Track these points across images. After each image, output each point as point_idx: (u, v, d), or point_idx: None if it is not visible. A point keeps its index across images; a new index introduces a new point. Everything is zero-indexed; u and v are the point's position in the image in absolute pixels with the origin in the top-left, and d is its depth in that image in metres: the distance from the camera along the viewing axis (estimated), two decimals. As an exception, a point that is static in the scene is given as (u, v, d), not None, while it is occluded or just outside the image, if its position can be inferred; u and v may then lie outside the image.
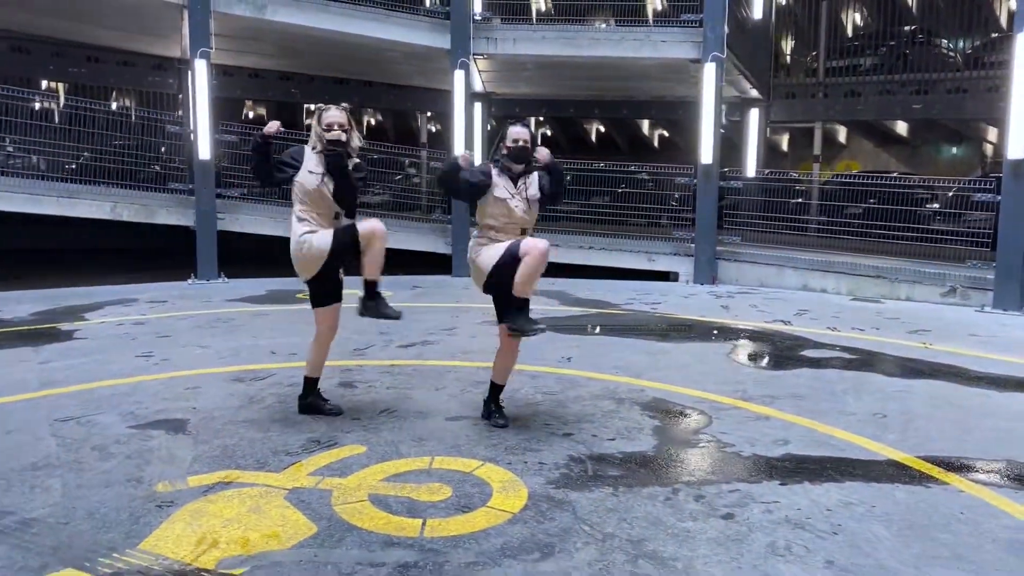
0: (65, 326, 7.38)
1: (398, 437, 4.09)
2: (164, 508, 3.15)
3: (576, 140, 25.27)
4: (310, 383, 4.56)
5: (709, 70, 10.42)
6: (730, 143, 19.50)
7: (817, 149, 16.60)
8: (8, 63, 13.63)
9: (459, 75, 11.13)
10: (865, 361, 6.15)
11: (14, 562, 2.69)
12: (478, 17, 11.43)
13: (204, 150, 10.55)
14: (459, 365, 5.81)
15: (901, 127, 19.36)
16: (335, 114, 4.24)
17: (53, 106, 13.42)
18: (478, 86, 15.19)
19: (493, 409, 4.39)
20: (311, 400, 4.53)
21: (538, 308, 8.61)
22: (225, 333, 7.09)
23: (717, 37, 10.28)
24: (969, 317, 8.38)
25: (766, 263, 10.61)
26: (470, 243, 4.33)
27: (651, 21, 14.25)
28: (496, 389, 4.43)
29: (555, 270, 11.57)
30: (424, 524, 3.03)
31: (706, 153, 10.58)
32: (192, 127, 10.58)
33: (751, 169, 15.20)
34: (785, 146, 23.76)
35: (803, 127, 18.74)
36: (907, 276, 9.45)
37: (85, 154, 11.74)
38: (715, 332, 7.42)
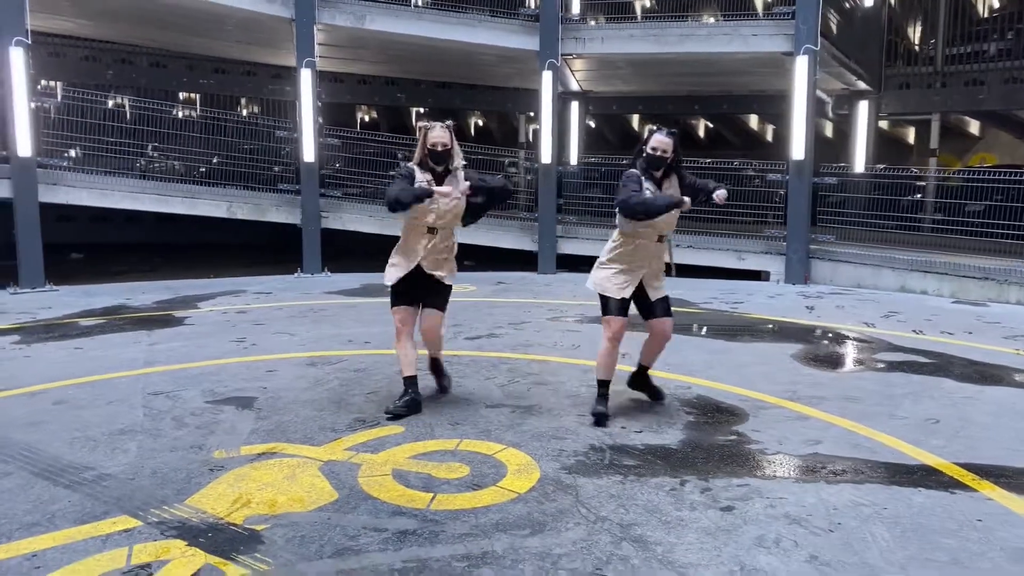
0: (179, 313, 8.23)
1: (436, 420, 4.38)
2: (215, 471, 3.58)
3: (684, 136, 24.89)
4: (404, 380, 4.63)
5: (801, 63, 10.08)
6: (840, 137, 18.63)
7: (934, 142, 15.53)
8: (148, 76, 15.13)
9: (547, 76, 11.34)
10: (940, 366, 5.86)
11: (84, 508, 3.18)
12: (575, 17, 11.61)
13: (309, 153, 11.34)
14: (515, 357, 6.04)
15: (1041, 116, 17.72)
16: (439, 133, 4.48)
17: (179, 114, 14.79)
18: (573, 85, 15.38)
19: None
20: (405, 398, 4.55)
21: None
22: (313, 322, 7.67)
23: (810, 29, 9.92)
24: (1084, 323, 7.71)
25: (862, 263, 10.14)
26: (609, 246, 4.50)
27: (761, 15, 13.85)
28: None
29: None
30: (433, 498, 3.29)
31: (797, 148, 10.24)
32: (298, 132, 11.38)
33: (860, 164, 14.49)
34: (911, 139, 22.32)
35: (949, 119, 17.56)
36: (1017, 277, 8.77)
37: (214, 160, 12.95)
38: (788, 333, 7.24)
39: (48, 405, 4.68)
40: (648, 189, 4.30)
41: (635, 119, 23.85)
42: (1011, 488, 3.45)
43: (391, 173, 4.57)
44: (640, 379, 4.87)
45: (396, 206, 4.33)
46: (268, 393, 4.96)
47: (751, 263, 11.02)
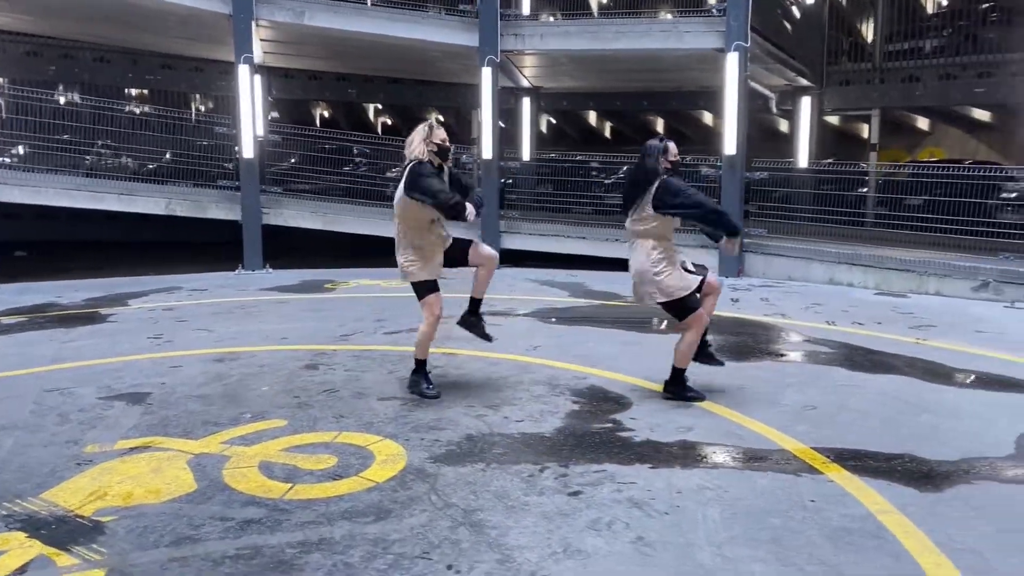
0: (105, 311, 8.18)
1: (322, 414, 4.44)
2: (82, 466, 3.61)
3: (645, 131, 25.06)
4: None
5: (732, 59, 10.24)
6: (777, 133, 18.92)
7: (874, 138, 15.85)
8: (92, 72, 14.95)
9: (487, 72, 11.39)
10: (838, 356, 6.03)
11: (-64, 502, 3.20)
12: (514, 14, 11.67)
13: (248, 149, 11.30)
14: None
15: (984, 113, 18.14)
16: (443, 132, 4.69)
17: (125, 111, 14.61)
18: (523, 82, 15.47)
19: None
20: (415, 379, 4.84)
21: (543, 299, 8.84)
22: (236, 319, 7.67)
23: (740, 26, 10.08)
24: (992, 313, 7.94)
25: (793, 256, 10.34)
26: (646, 265, 4.60)
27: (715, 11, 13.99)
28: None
29: (581, 263, 11.74)
30: (291, 488, 3.35)
31: (730, 143, 10.41)
32: (237, 128, 11.34)
33: (803, 158, 14.75)
34: (865, 135, 22.70)
35: (897, 114, 17.86)
36: (936, 269, 9.01)
37: (166, 156, 12.85)
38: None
39: (-64, 403, 4.66)
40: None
41: (592, 115, 23.96)
42: (857, 471, 3.59)
43: (421, 172, 4.50)
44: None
45: (453, 213, 4.42)
46: (165, 389, 4.98)
47: (688, 257, 11.13)
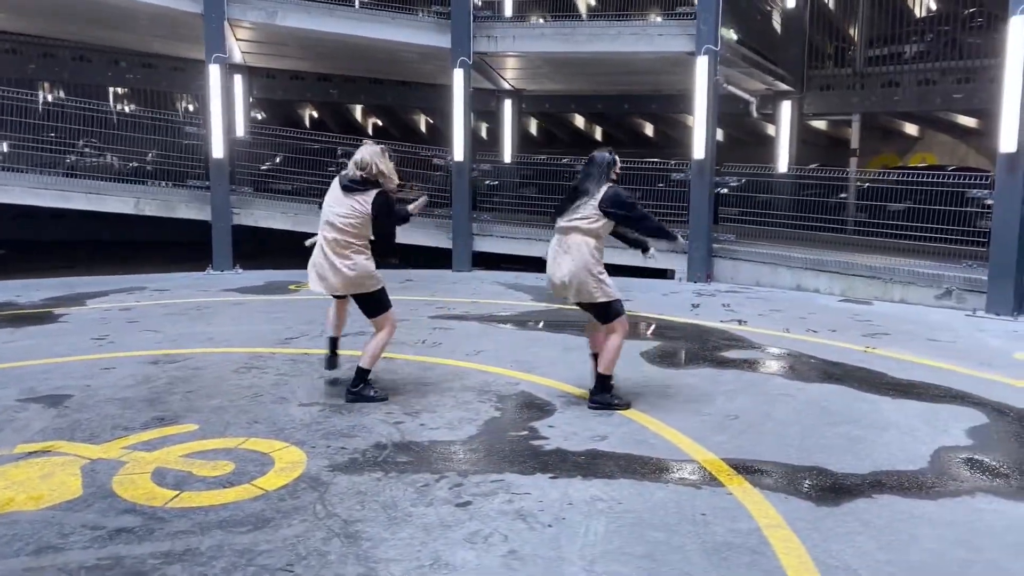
0: (60, 311, 8.13)
1: (236, 419, 4.38)
2: (-28, 470, 3.56)
3: (634, 135, 25.00)
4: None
5: (701, 63, 10.18)
6: (764, 138, 18.84)
7: (855, 142, 15.78)
8: (72, 71, 14.92)
9: (458, 74, 11.34)
10: (782, 363, 5.97)
11: None
12: (486, 15, 11.62)
13: (218, 149, 11.25)
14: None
15: (970, 120, 18.07)
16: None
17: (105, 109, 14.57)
18: (504, 84, 15.42)
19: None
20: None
21: (504, 303, 8.79)
22: (188, 320, 7.62)
23: (709, 29, 10.02)
24: (951, 321, 7.87)
25: (761, 261, 10.28)
26: (590, 262, 4.64)
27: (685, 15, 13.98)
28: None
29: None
30: (175, 496, 3.30)
31: (699, 148, 10.35)
32: (207, 128, 11.30)
33: (783, 163, 14.69)
34: (854, 141, 22.61)
35: (885, 120, 17.77)
36: (901, 277, 8.94)
37: (149, 156, 12.80)
38: (654, 330, 7.34)
39: None
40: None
41: (580, 119, 23.89)
42: (759, 484, 3.53)
43: (392, 201, 4.82)
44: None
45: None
46: (87, 391, 4.92)
47: (658, 261, 11.07)
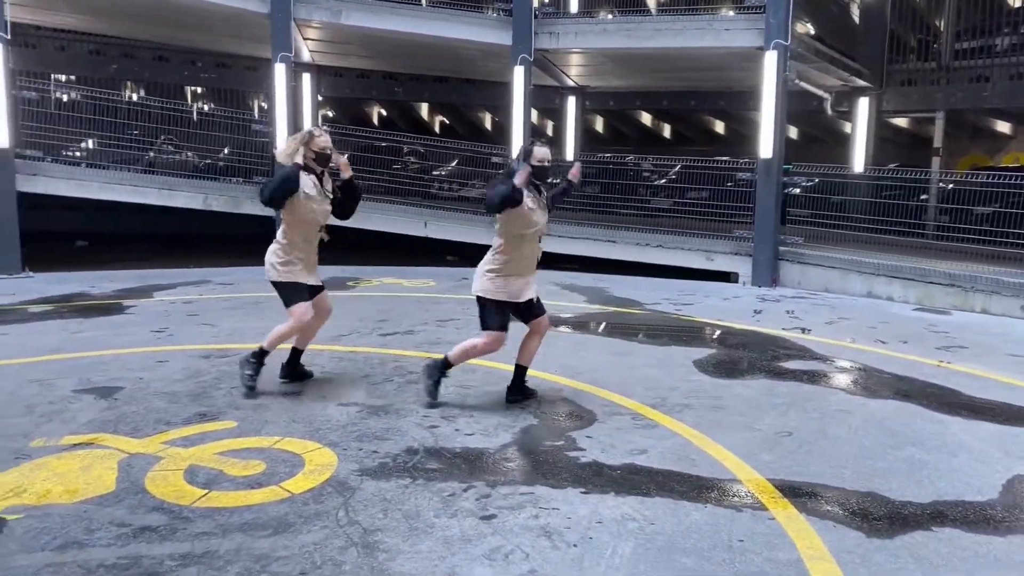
0: (128, 302, 8.43)
1: (275, 417, 4.40)
2: (18, 459, 3.67)
3: (705, 133, 24.39)
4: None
5: (770, 58, 9.76)
6: (835, 136, 18.01)
7: (938, 141, 14.89)
8: (151, 70, 15.53)
9: (519, 71, 11.24)
10: (843, 376, 5.64)
11: None
12: (548, 11, 11.49)
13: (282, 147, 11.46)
14: (411, 355, 6.01)
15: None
16: (327, 139, 4.82)
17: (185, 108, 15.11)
18: (568, 81, 15.24)
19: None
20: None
21: (559, 304, 8.63)
22: (246, 315, 7.76)
23: (779, 23, 9.60)
24: (1038, 335, 7.31)
25: (830, 266, 9.80)
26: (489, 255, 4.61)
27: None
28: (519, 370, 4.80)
29: (609, 267, 11.47)
30: (204, 496, 3.30)
31: (766, 146, 9.94)
32: (273, 126, 11.55)
33: (859, 163, 14.01)
34: (937, 139, 21.41)
35: (974, 117, 16.73)
36: (984, 285, 8.36)
37: (224, 152, 13.22)
38: (710, 337, 7.06)
39: (-78, 389, 4.85)
40: (529, 197, 4.47)
41: (648, 116, 23.44)
42: (806, 509, 3.29)
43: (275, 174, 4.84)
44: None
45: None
46: (139, 384, 5.04)
47: (720, 264, 10.76)
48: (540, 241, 4.75)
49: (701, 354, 6.24)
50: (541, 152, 4.57)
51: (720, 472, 3.71)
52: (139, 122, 12.23)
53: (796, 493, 3.46)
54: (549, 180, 4.80)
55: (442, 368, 4.68)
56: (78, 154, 13.02)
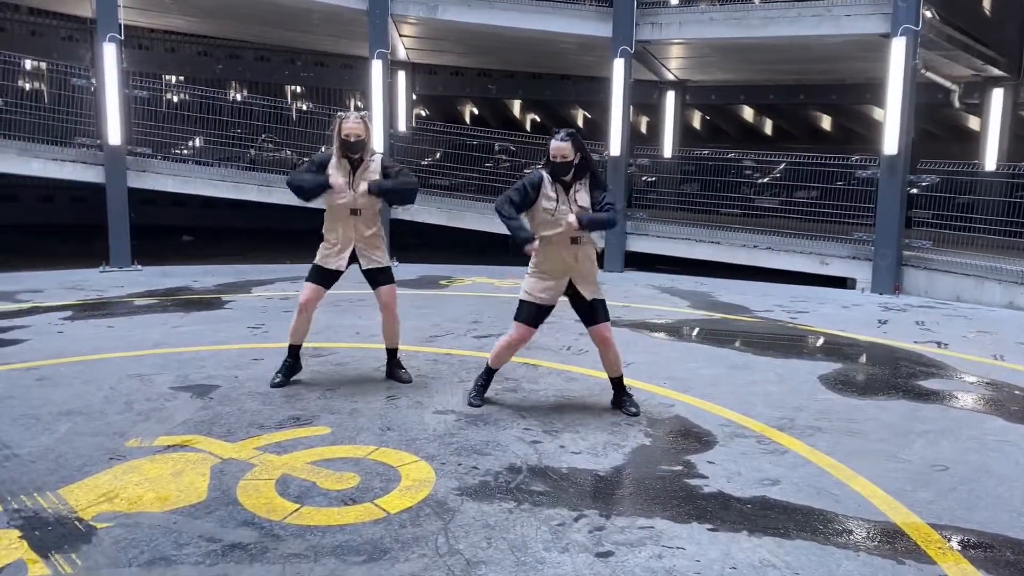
0: (227, 297, 8.53)
1: (369, 424, 4.17)
2: (113, 461, 3.56)
3: (809, 128, 23.13)
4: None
5: (898, 46, 8.92)
6: (957, 132, 16.56)
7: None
8: (253, 70, 15.92)
9: (619, 64, 10.77)
10: (996, 401, 4.95)
11: (-35, 487, 3.23)
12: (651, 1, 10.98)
13: (378, 144, 11.44)
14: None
15: None
16: (353, 124, 4.61)
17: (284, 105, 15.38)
18: (667, 75, 14.65)
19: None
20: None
21: (658, 308, 8.16)
22: (340, 312, 7.67)
23: (909, 7, 8.75)
24: None
25: (963, 273, 8.88)
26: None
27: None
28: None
29: (725, 271, 10.85)
30: (296, 511, 3.08)
31: (890, 142, 9.10)
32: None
33: (991, 160, 12.79)
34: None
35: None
36: None
37: (322, 149, 13.38)
38: (834, 349, 6.43)
39: (30, 381, 4.89)
40: (548, 195, 4.29)
41: (749, 111, 22.41)
42: (981, 564, 2.77)
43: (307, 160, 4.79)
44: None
45: (298, 193, 4.77)
46: (234, 383, 4.94)
47: (836, 269, 9.97)
48: (579, 242, 4.36)
49: (826, 369, 5.65)
50: (556, 146, 4.21)
51: (868, 511, 3.21)
52: (242, 120, 12.47)
53: (967, 544, 2.93)
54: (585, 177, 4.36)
55: (486, 376, 4.63)
56: (185, 152, 13.50)
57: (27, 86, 14.89)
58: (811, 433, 4.17)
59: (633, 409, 4.41)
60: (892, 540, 2.96)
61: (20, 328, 6.54)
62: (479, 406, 4.49)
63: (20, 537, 2.81)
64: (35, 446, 3.73)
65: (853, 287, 9.86)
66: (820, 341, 6.81)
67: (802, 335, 7.05)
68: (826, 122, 22.88)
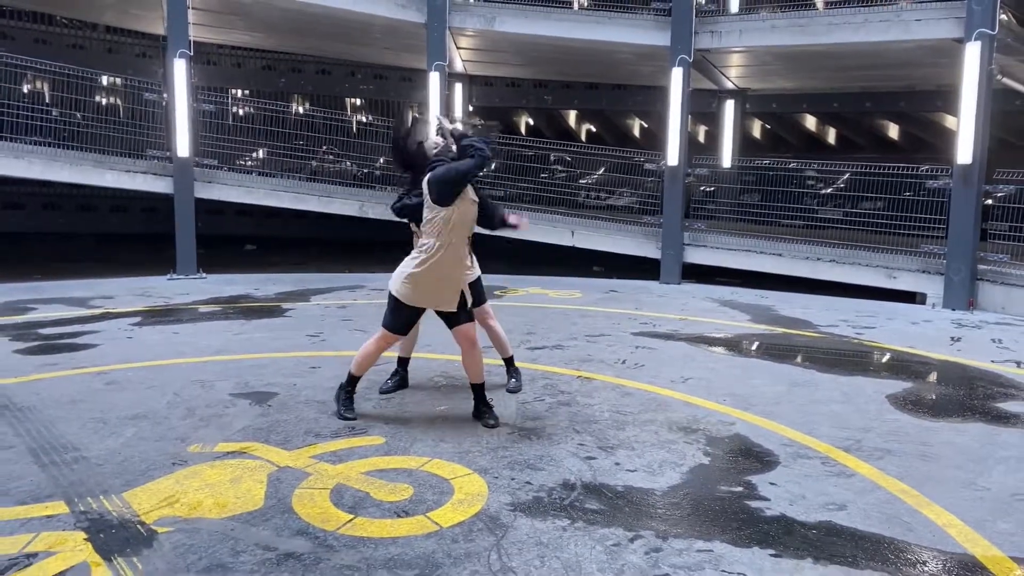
0: (287, 305, 8.71)
1: (423, 436, 4.16)
2: (175, 466, 3.64)
3: (874, 137, 22.43)
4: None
5: (972, 51, 8.55)
6: None
7: None
8: (315, 84, 16.30)
9: (677, 73, 10.63)
10: (1085, 425, 4.64)
11: (36, 488, 3.34)
12: (709, 8, 10.82)
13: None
14: (561, 373, 5.65)
15: None
16: None
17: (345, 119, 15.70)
18: (727, 83, 14.41)
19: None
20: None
21: (717, 322, 7.98)
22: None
23: (984, 10, 8.38)
24: None
25: (1044, 288, 8.43)
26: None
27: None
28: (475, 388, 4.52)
29: (775, 282, 10.57)
30: (349, 521, 3.09)
31: (964, 151, 8.71)
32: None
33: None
34: None
35: None
36: None
37: (381, 162, 13.67)
38: (903, 367, 6.15)
39: (99, 385, 5.07)
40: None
41: (811, 120, 21.86)
42: (1074, 604, 2.58)
43: None
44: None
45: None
46: (292, 391, 5.02)
47: (904, 283, 9.58)
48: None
49: (895, 388, 5.41)
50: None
51: (944, 542, 3.03)
52: (303, 132, 12.78)
53: (1055, 581, 2.74)
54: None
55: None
56: (248, 163, 13.90)
57: (103, 101, 15.60)
58: (880, 456, 3.99)
59: (491, 421, 4.34)
60: (971, 574, 2.78)
61: (92, 333, 6.80)
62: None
63: (86, 539, 2.89)
64: (102, 449, 3.84)
65: (923, 302, 9.46)
66: (888, 358, 6.54)
67: (869, 352, 6.78)
68: (893, 130, 22.16)
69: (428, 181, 4.19)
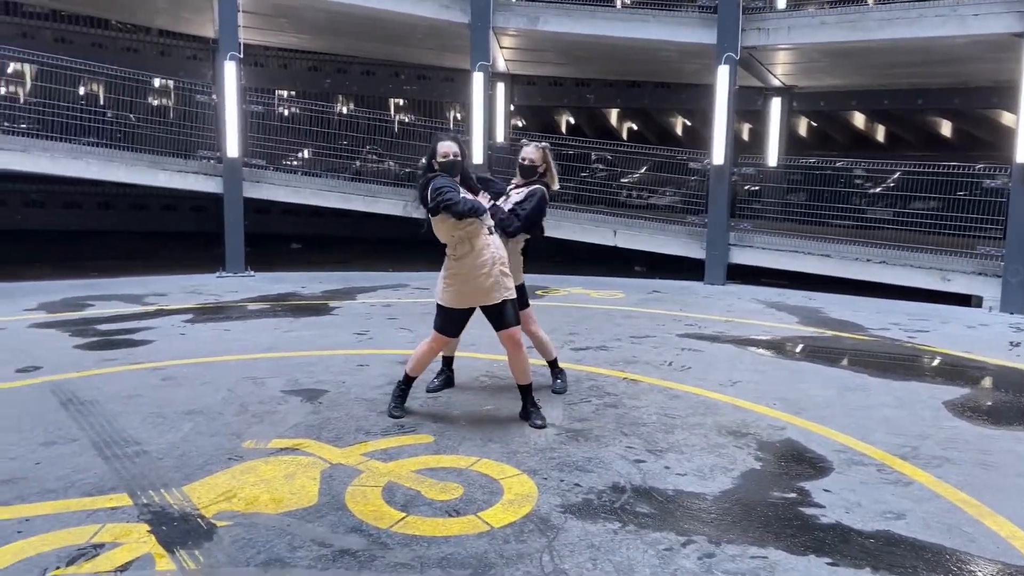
0: (334, 303, 8.84)
1: (470, 435, 4.19)
2: (231, 461, 3.73)
3: (925, 135, 21.82)
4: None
5: (1033, 45, 8.28)
6: None
7: None
8: (360, 84, 16.50)
9: (723, 71, 10.48)
10: None
11: (101, 481, 3.46)
12: (757, 5, 10.65)
13: (478, 154, 11.61)
14: (606, 374, 5.63)
15: None
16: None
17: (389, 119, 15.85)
18: (773, 81, 14.17)
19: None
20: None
21: (765, 324, 7.86)
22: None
23: (1047, 3, 8.11)
24: None
25: (1109, 292, 8.11)
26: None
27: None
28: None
29: (823, 284, 10.36)
30: (402, 519, 3.13)
31: (1023, 149, 8.44)
32: (469, 134, 11.71)
33: None
34: None
35: None
36: None
37: (422, 160, 13.73)
38: (959, 373, 5.98)
39: (156, 380, 5.21)
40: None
41: (860, 117, 21.35)
42: None
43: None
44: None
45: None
46: (342, 388, 5.10)
47: (959, 285, 9.31)
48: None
49: (952, 394, 5.27)
50: (444, 147, 4.33)
51: (1009, 554, 2.95)
52: (348, 132, 12.95)
53: None
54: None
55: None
56: (294, 163, 14.15)
57: (155, 102, 16.03)
58: (938, 464, 3.89)
59: (539, 422, 4.36)
60: (1038, 588, 2.70)
61: (148, 329, 7.00)
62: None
63: (149, 531, 2.98)
64: (162, 443, 3.96)
65: (979, 305, 9.19)
66: (943, 363, 6.37)
67: (922, 356, 6.61)
68: (946, 128, 21.51)
69: (427, 188, 4.28)
